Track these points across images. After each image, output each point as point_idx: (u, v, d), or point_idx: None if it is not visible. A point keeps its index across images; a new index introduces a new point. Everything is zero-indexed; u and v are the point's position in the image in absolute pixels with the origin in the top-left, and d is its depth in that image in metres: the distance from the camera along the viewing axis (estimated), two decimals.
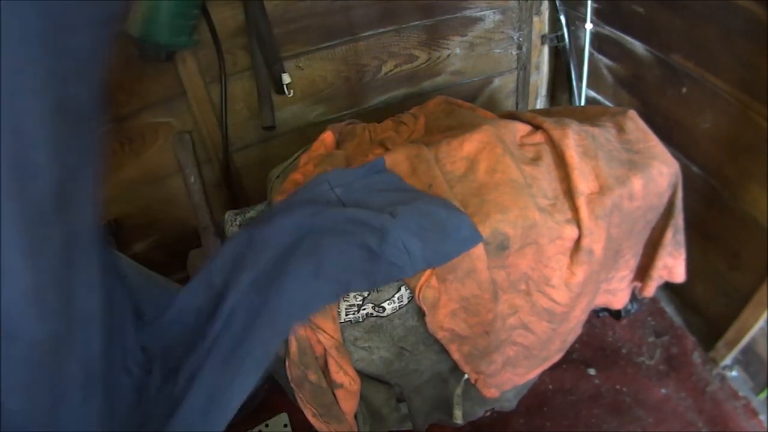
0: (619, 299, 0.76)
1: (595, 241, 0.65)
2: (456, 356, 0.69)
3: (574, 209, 0.65)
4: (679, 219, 0.74)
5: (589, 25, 1.07)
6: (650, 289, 0.76)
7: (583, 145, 0.70)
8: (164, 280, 0.84)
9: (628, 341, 1.01)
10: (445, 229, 0.59)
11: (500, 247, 0.62)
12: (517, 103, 1.32)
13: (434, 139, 0.76)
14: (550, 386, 0.96)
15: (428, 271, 0.61)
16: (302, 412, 0.70)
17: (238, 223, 0.78)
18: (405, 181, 0.69)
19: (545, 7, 1.17)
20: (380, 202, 0.64)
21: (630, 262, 0.71)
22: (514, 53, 1.23)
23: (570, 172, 0.67)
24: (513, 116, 0.78)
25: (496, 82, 1.27)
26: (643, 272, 0.75)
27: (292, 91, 1.02)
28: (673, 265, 0.72)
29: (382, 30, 1.09)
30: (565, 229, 0.64)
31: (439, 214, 0.60)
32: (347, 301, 0.64)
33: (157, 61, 0.86)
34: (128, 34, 0.78)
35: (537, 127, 0.75)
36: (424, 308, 0.63)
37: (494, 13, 1.16)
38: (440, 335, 0.66)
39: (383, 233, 0.59)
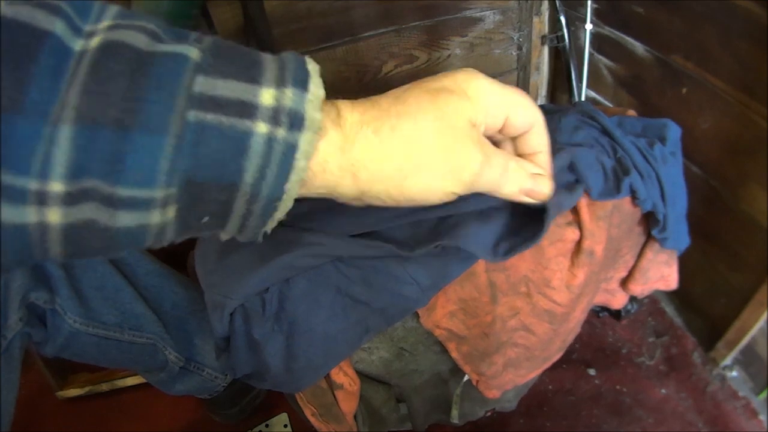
0: (618, 299, 0.76)
1: (597, 243, 0.65)
2: (455, 354, 0.69)
3: (575, 211, 0.65)
4: None
5: (589, 26, 1.07)
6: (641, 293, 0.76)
7: None
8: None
9: (628, 341, 1.01)
10: (445, 251, 0.58)
11: None
12: None
13: None
14: (550, 386, 0.96)
15: None
16: (302, 412, 0.70)
17: None
18: None
19: (545, 7, 1.17)
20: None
21: (630, 263, 0.71)
22: (514, 54, 1.24)
23: None
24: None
25: None
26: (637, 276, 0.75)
27: None
28: (668, 273, 0.72)
29: (382, 30, 1.09)
30: (566, 231, 0.64)
31: None
32: None
33: None
34: None
35: None
36: (418, 311, 0.63)
37: (494, 13, 1.16)
38: (437, 333, 0.66)
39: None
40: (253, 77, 0.27)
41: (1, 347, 0.60)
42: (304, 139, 0.27)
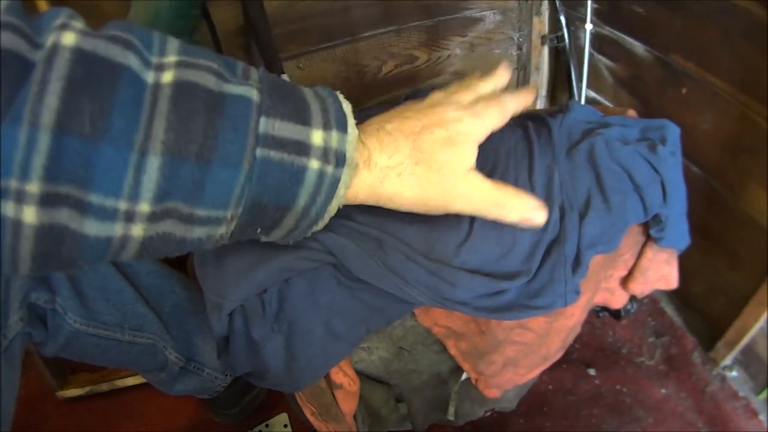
0: (617, 298, 0.76)
1: None
2: (453, 351, 0.69)
3: None
4: None
5: (589, 26, 1.07)
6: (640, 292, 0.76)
7: None
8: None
9: (628, 341, 1.01)
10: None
11: None
12: None
13: None
14: (550, 386, 0.96)
15: None
16: (302, 412, 0.70)
17: None
18: None
19: (545, 7, 1.17)
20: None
21: (629, 262, 0.71)
22: (515, 54, 1.24)
23: None
24: (527, 116, 0.77)
25: None
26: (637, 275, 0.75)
27: None
28: (669, 272, 0.72)
29: (382, 30, 1.09)
30: None
31: None
32: None
33: None
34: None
35: None
36: (415, 311, 0.63)
37: (494, 13, 1.16)
38: (435, 330, 0.66)
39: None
40: (305, 119, 0.32)
41: (1, 347, 0.60)
42: (345, 174, 0.34)
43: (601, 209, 0.59)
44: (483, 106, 0.44)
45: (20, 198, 0.25)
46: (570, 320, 0.71)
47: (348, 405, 0.69)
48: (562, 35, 1.14)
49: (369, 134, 0.38)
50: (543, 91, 1.33)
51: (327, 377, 0.66)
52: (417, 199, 0.40)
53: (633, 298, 0.90)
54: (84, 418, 1.03)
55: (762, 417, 0.86)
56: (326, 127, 0.33)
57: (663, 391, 0.92)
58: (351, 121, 0.35)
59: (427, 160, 0.39)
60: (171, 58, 0.29)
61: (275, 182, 0.31)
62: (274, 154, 0.30)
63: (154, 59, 0.29)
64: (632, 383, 0.94)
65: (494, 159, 0.64)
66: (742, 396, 0.89)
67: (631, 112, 0.78)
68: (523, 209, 0.45)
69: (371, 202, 0.39)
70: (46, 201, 0.26)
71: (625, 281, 0.74)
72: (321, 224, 0.36)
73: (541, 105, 1.36)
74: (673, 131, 0.67)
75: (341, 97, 0.36)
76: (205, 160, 0.28)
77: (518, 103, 0.47)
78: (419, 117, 0.41)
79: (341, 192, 0.34)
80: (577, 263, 0.57)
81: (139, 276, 0.77)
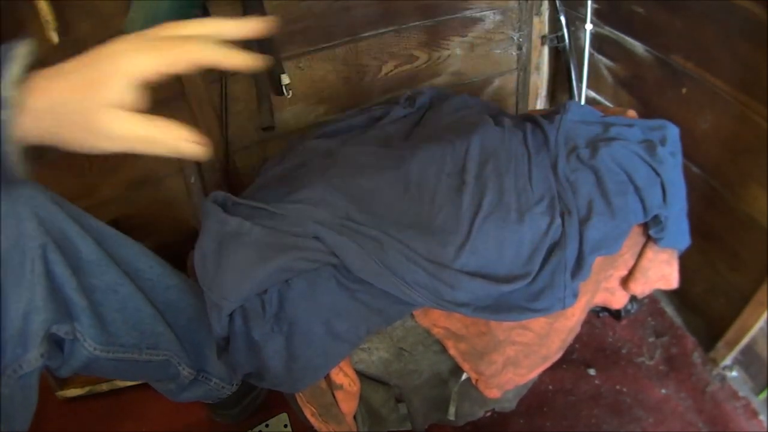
0: (617, 299, 0.76)
1: None
2: (453, 352, 0.69)
3: None
4: None
5: (589, 26, 1.07)
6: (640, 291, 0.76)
7: None
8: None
9: (628, 341, 1.01)
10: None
11: None
12: (517, 104, 1.32)
13: None
14: (550, 386, 0.96)
15: None
16: (302, 412, 0.70)
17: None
18: None
19: (545, 7, 1.17)
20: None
21: (629, 262, 0.71)
22: (514, 54, 1.23)
23: None
24: (527, 118, 0.77)
25: (497, 82, 1.27)
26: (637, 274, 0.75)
27: (291, 92, 1.02)
28: (669, 272, 0.72)
29: (382, 30, 1.09)
30: None
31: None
32: None
33: None
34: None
35: None
36: (414, 313, 0.63)
37: (494, 13, 1.16)
38: (434, 331, 0.66)
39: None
40: None
41: (10, 373, 0.59)
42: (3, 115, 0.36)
43: (605, 213, 0.59)
44: (164, 43, 0.44)
45: None
46: (570, 320, 0.71)
47: (348, 405, 0.69)
48: (562, 35, 1.14)
49: (34, 78, 0.40)
50: (543, 91, 1.33)
51: (327, 378, 0.66)
52: (70, 140, 0.42)
53: (633, 298, 0.90)
54: (84, 418, 1.03)
55: (762, 417, 0.86)
56: None
57: (663, 391, 0.92)
58: (17, 61, 0.38)
59: (73, 101, 0.40)
60: None
61: None
62: None
63: None
64: (632, 383, 0.94)
65: (494, 163, 0.64)
66: (742, 396, 0.89)
67: (631, 113, 0.78)
68: (172, 142, 0.42)
69: (46, 142, 0.42)
70: None
71: (625, 281, 0.74)
72: (16, 173, 0.41)
73: (541, 105, 1.36)
74: (673, 132, 0.67)
75: (21, 43, 0.40)
76: None
77: (209, 53, 0.44)
78: (87, 55, 0.42)
79: (6, 133, 0.37)
80: (579, 267, 0.57)
81: (157, 291, 0.75)
